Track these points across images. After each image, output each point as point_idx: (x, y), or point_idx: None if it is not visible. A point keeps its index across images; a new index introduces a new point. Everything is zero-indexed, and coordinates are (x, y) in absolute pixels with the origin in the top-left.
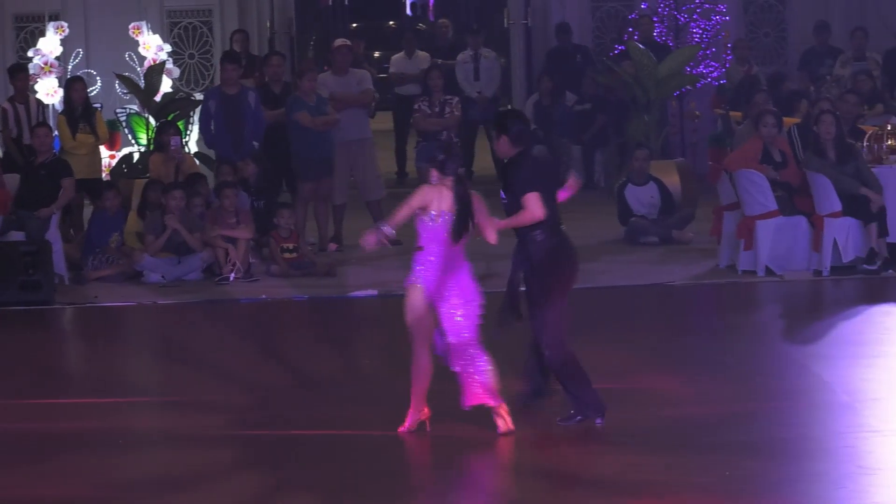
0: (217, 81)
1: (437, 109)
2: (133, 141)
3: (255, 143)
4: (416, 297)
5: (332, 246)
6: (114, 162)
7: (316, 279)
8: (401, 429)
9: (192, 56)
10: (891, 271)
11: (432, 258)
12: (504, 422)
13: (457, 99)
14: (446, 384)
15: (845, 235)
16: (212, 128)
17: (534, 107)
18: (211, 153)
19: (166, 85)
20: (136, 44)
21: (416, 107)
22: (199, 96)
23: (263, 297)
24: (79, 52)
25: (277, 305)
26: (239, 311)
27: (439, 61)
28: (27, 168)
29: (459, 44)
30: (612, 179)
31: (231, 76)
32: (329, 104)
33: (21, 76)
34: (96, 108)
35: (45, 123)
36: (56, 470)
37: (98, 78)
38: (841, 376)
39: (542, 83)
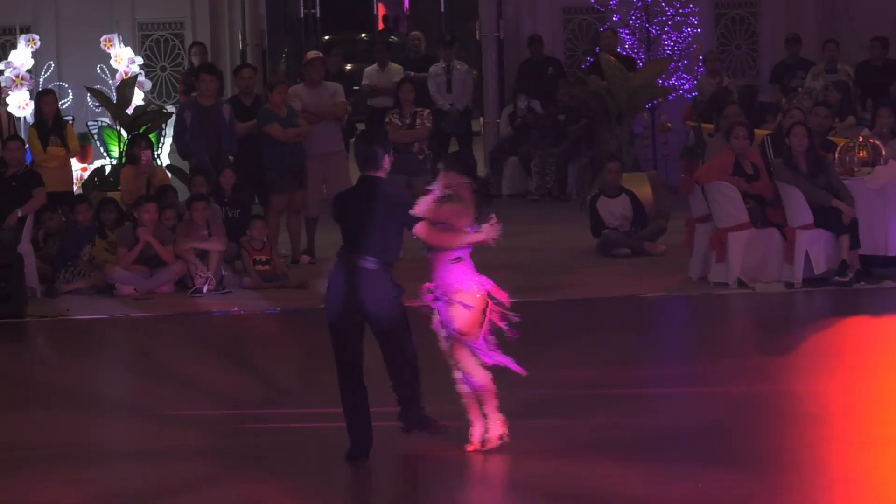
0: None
1: (408, 121)
2: (105, 154)
3: (231, 157)
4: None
5: (305, 258)
6: (85, 175)
7: (288, 291)
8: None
9: (163, 69)
10: (862, 283)
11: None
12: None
13: (428, 111)
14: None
15: (817, 247)
16: (186, 139)
17: (508, 118)
18: (184, 165)
19: (138, 98)
20: (108, 56)
21: (386, 119)
22: (170, 109)
23: (236, 309)
24: (50, 64)
25: (250, 318)
26: (211, 323)
27: (412, 73)
28: None
29: (432, 56)
30: (585, 191)
31: (209, 87)
32: (300, 116)
33: None
34: (67, 120)
35: (17, 136)
36: (28, 482)
37: (70, 90)
38: (813, 388)
39: (518, 101)
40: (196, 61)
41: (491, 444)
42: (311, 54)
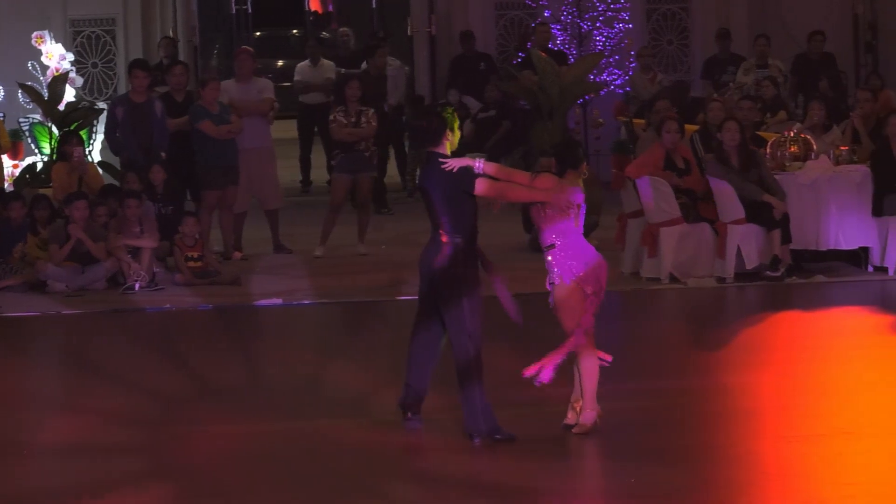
0: (121, 90)
1: (353, 119)
2: (36, 150)
3: (162, 154)
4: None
5: (237, 254)
6: (17, 171)
7: (221, 288)
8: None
9: (95, 65)
10: (794, 278)
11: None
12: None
13: (372, 110)
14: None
15: (749, 242)
16: (118, 135)
17: None
18: (115, 161)
19: (69, 94)
20: (39, 53)
21: (331, 117)
22: (102, 105)
23: (168, 306)
24: None
25: (182, 314)
26: (144, 320)
27: (342, 70)
28: None
29: (363, 52)
30: None
31: (142, 83)
32: (232, 112)
33: None
34: None
35: None
36: None
37: (0, 87)
38: (745, 383)
39: (449, 96)
40: (163, 54)
41: (578, 430)
42: (240, 49)
